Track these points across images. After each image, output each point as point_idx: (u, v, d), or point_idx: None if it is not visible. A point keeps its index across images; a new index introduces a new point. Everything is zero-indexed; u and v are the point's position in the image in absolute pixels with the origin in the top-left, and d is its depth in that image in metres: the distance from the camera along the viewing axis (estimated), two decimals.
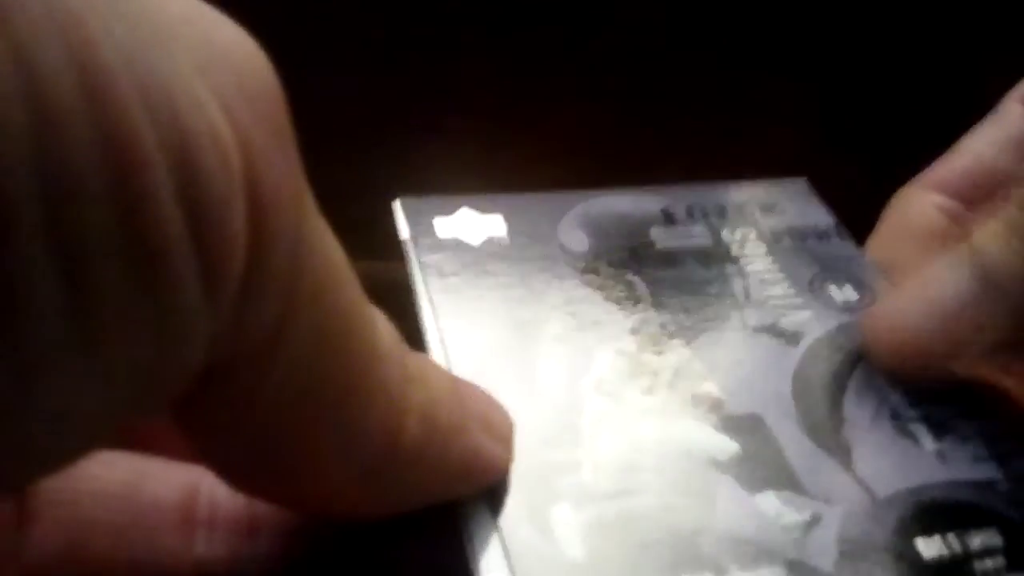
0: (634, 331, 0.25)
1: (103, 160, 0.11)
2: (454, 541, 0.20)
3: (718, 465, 0.21)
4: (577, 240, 0.27)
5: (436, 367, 0.19)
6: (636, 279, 0.26)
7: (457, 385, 0.19)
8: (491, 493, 0.20)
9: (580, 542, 0.19)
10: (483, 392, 0.21)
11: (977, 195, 0.28)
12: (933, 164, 0.29)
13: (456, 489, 0.19)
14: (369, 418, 0.16)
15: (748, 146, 0.41)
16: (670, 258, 0.27)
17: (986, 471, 0.22)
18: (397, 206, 0.27)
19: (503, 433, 0.20)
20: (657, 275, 0.26)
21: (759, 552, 0.20)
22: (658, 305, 0.25)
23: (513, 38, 0.40)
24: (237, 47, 0.14)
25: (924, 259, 0.27)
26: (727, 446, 0.22)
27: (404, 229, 0.26)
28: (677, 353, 0.24)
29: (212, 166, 0.12)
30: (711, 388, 0.23)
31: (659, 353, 0.24)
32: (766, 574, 0.19)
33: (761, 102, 0.41)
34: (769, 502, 0.21)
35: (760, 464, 0.22)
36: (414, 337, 0.23)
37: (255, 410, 0.15)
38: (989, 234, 0.23)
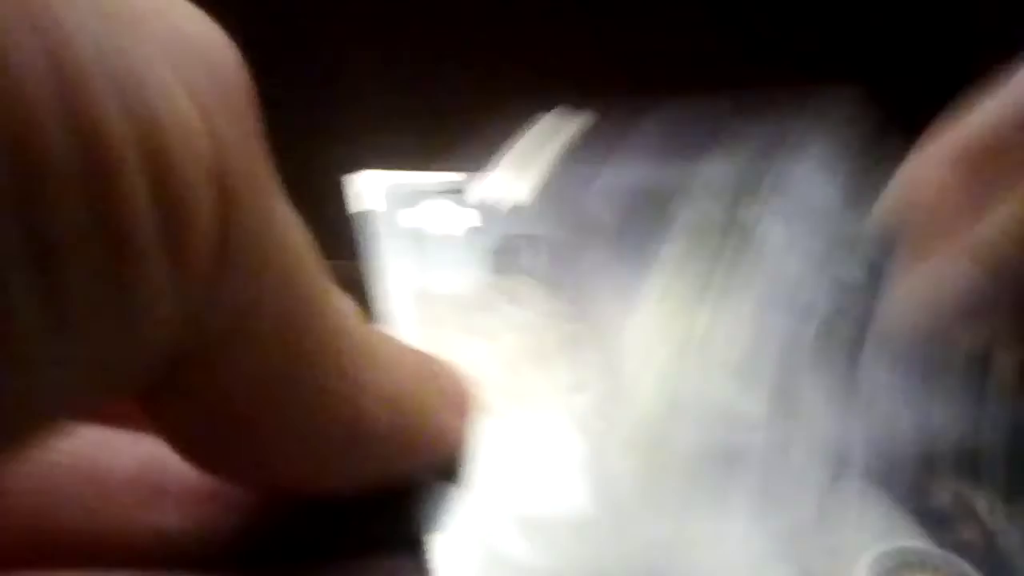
0: (659, 302, 0.26)
1: (74, 145, 0.12)
2: (414, 509, 0.20)
3: (750, 427, 0.23)
4: (600, 211, 0.28)
5: (403, 347, 0.19)
6: (657, 252, 0.27)
7: (423, 363, 0.20)
8: (447, 462, 0.21)
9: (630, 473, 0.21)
10: (447, 365, 0.21)
11: (987, 162, 0.27)
12: (942, 131, 0.28)
13: (419, 463, 0.20)
14: (334, 403, 0.17)
15: None
16: (689, 232, 0.28)
17: None
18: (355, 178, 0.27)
19: (463, 406, 0.21)
20: (677, 249, 0.27)
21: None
22: (680, 278, 0.26)
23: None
24: (206, 39, 0.14)
25: (933, 228, 0.27)
26: (758, 409, 0.23)
27: (367, 203, 0.27)
28: (701, 323, 0.25)
29: (181, 153, 0.13)
30: (734, 358, 0.25)
31: (685, 323, 0.25)
32: None
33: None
34: (799, 456, 0.22)
35: (787, 428, 0.23)
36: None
37: (221, 395, 0.16)
38: (1002, 232, 0.25)
